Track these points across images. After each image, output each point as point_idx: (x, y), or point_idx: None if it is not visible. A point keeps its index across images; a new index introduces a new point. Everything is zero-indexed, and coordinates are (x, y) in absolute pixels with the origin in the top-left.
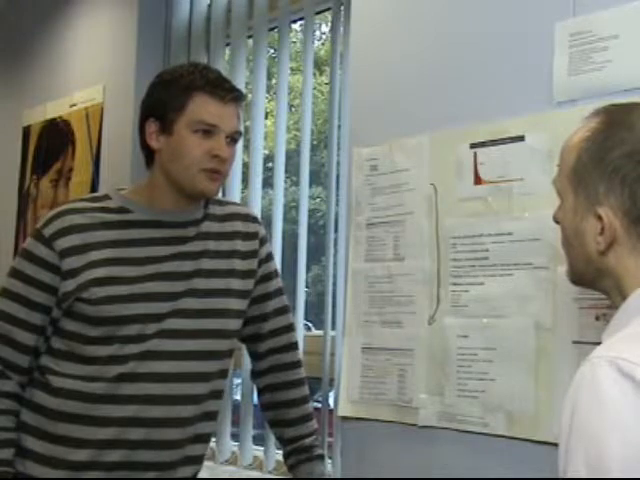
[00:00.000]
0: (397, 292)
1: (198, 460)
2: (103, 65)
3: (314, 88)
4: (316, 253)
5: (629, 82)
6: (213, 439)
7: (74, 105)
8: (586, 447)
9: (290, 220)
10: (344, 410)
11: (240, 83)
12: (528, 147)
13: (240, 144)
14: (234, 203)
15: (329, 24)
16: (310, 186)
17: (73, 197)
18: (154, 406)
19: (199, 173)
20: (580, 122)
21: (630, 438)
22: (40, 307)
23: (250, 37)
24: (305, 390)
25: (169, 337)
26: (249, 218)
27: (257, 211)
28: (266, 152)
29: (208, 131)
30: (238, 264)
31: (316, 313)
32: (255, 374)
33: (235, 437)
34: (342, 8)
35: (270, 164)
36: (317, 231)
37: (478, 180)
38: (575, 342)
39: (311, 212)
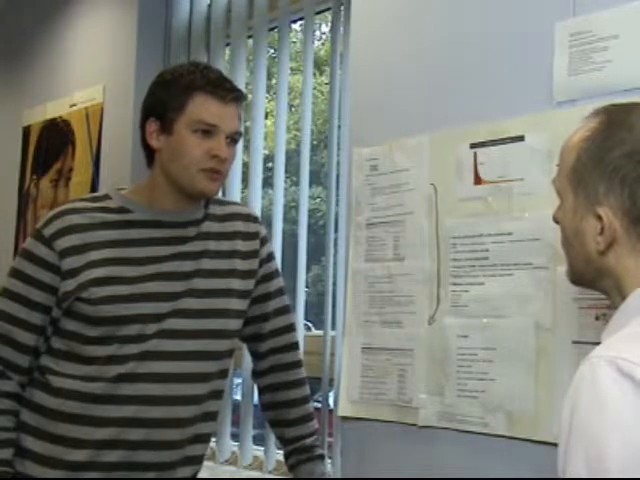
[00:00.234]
0: (397, 292)
1: (198, 460)
2: (103, 65)
3: (314, 88)
4: (316, 253)
5: (629, 82)
6: (213, 439)
7: (74, 105)
8: (586, 447)
9: (290, 220)
10: (344, 410)
11: (240, 83)
12: (528, 147)
13: (240, 144)
14: (235, 203)
15: (329, 24)
16: (310, 186)
17: (73, 197)
18: (153, 406)
19: (198, 173)
20: (580, 122)
21: (630, 438)
22: (40, 307)
23: (250, 37)
24: (306, 390)
25: (169, 337)
26: (250, 218)
27: (257, 211)
28: (266, 152)
29: (208, 131)
30: (239, 264)
31: (316, 313)
32: (256, 374)
33: (235, 437)
34: (342, 8)
35: (270, 164)
36: (317, 231)
37: (478, 180)
38: (575, 342)
39: (311, 212)
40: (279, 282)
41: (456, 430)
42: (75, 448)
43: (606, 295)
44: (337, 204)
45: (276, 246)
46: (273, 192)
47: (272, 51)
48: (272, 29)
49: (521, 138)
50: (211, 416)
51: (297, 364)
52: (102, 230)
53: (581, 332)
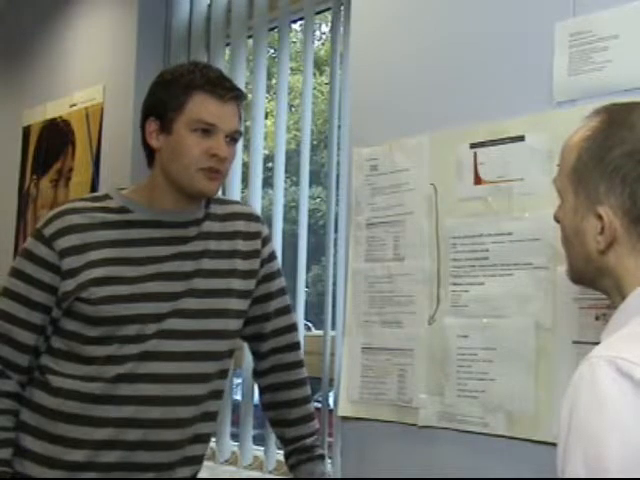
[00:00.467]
0: (397, 292)
1: (197, 460)
2: (103, 65)
3: (314, 88)
4: (316, 253)
5: (629, 82)
6: (213, 439)
7: (74, 105)
8: (585, 447)
9: (290, 220)
10: (344, 410)
11: (240, 83)
12: (528, 147)
13: (240, 144)
14: (236, 202)
15: (329, 24)
16: (310, 186)
17: (73, 197)
18: (152, 407)
19: (197, 172)
20: (580, 122)
21: (629, 438)
22: (40, 307)
23: (250, 37)
24: (307, 390)
25: (168, 338)
26: (251, 217)
27: (257, 211)
28: (266, 152)
29: (207, 130)
30: (239, 264)
31: (316, 313)
32: (257, 374)
33: (235, 437)
34: (342, 8)
35: (270, 164)
36: (317, 231)
37: (478, 180)
38: (575, 342)
39: (311, 212)
40: (281, 282)
41: (456, 430)
42: (74, 448)
43: (606, 295)
44: (337, 204)
45: (276, 246)
46: (273, 192)
47: (272, 51)
48: (272, 29)
49: (521, 138)
50: (211, 416)
51: (298, 364)
52: (102, 230)
53: (581, 332)
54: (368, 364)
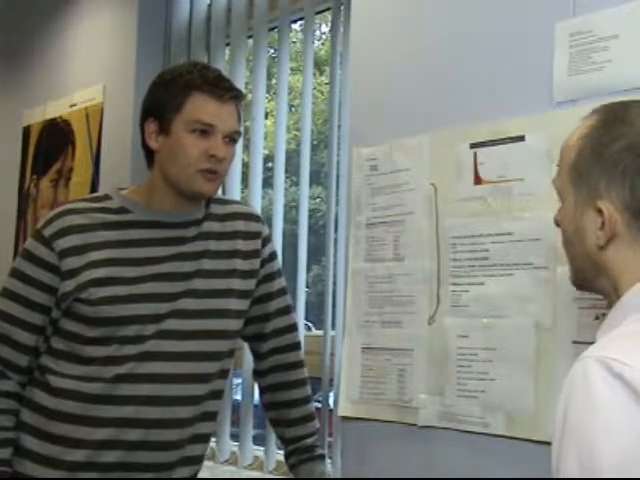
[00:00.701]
0: (397, 292)
1: (197, 460)
2: (103, 65)
3: (314, 88)
4: (316, 253)
5: (629, 82)
6: (213, 439)
7: (74, 105)
8: (578, 446)
9: (290, 220)
10: (344, 410)
11: (240, 83)
12: (528, 147)
13: (240, 144)
14: (237, 202)
15: (329, 24)
16: (310, 186)
17: (73, 197)
18: (152, 407)
19: (196, 173)
20: (580, 122)
21: (621, 438)
22: (40, 307)
23: (250, 37)
24: (307, 390)
25: (168, 338)
26: (252, 217)
27: (257, 211)
28: (266, 152)
29: (205, 131)
30: (239, 264)
31: (316, 313)
32: (257, 373)
33: (235, 437)
34: (342, 8)
35: (270, 164)
36: (317, 231)
37: (478, 180)
38: (575, 342)
39: (311, 212)
40: (281, 282)
41: (456, 430)
42: (74, 448)
43: (603, 296)
44: (337, 204)
45: (276, 246)
46: (273, 192)
47: (272, 51)
48: (272, 29)
49: (521, 138)
50: (210, 416)
51: (299, 364)
52: (102, 230)
53: (581, 332)
54: (368, 364)
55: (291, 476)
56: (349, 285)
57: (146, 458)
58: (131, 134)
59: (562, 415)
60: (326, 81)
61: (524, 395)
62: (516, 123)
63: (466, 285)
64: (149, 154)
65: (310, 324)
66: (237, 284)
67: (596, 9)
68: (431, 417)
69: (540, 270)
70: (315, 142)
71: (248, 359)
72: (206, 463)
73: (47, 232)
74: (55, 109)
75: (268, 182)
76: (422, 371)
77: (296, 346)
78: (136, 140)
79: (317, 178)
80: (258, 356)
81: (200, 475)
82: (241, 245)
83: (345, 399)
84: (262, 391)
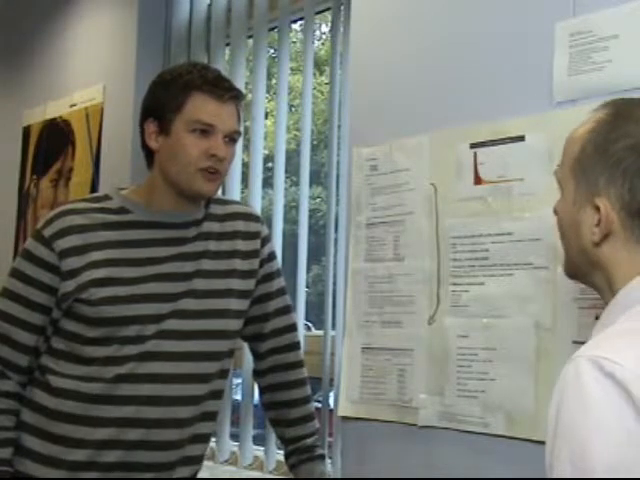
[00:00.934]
0: (397, 292)
1: (197, 460)
2: (103, 65)
3: (314, 88)
4: (316, 253)
5: (629, 82)
6: (213, 439)
7: (74, 105)
8: (571, 446)
9: (290, 220)
10: (344, 410)
11: (240, 83)
12: (528, 147)
13: (240, 144)
14: (236, 202)
15: (329, 24)
16: (310, 186)
17: (73, 197)
18: (153, 407)
19: (196, 172)
20: (580, 122)
21: (613, 437)
22: (40, 307)
23: (250, 37)
24: (307, 390)
25: (168, 338)
26: (251, 217)
27: (257, 211)
28: (266, 152)
29: (205, 130)
30: (239, 264)
31: (316, 313)
32: (257, 373)
33: (235, 437)
34: (342, 8)
35: (270, 164)
36: (317, 231)
37: (478, 180)
38: (575, 342)
39: (311, 212)
40: (280, 282)
41: (456, 430)
42: (75, 448)
43: (598, 292)
44: (337, 204)
45: (276, 246)
46: (273, 192)
47: (272, 51)
48: (272, 29)
49: (521, 138)
50: (210, 416)
51: (298, 364)
52: (102, 231)
53: (581, 332)
54: (368, 364)
55: (291, 476)
56: (349, 285)
57: (146, 458)
58: (131, 134)
59: (555, 415)
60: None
61: (524, 395)
62: (516, 123)
63: (466, 285)
64: (149, 154)
65: (310, 324)
66: (237, 284)
67: (596, 9)
68: (431, 417)
69: (540, 270)
70: (315, 142)
71: (248, 359)
72: (206, 463)
73: (47, 232)
74: (55, 109)
75: (268, 182)
76: (422, 371)
77: (295, 346)
78: (136, 140)
79: (317, 178)
80: (257, 356)
81: (200, 475)
82: (241, 245)
83: (345, 399)
84: (262, 391)
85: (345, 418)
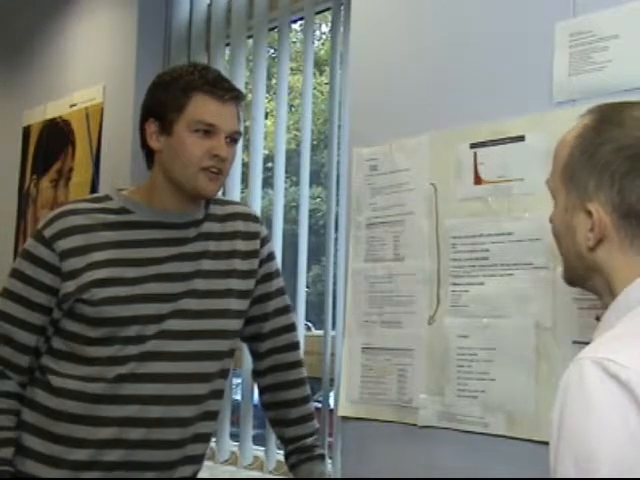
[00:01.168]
0: (397, 292)
1: (198, 460)
2: (103, 65)
3: (314, 88)
4: (316, 253)
5: (629, 82)
6: (213, 439)
7: (74, 105)
8: (575, 448)
9: (290, 220)
10: (344, 410)
11: (240, 83)
12: (528, 147)
13: (240, 144)
14: (236, 203)
15: (329, 24)
16: (310, 186)
17: (73, 197)
18: (154, 406)
19: (199, 172)
20: (576, 120)
21: (617, 438)
22: (40, 308)
23: (250, 37)
24: (306, 390)
25: (169, 338)
26: (250, 218)
27: (257, 211)
28: (266, 152)
29: (207, 131)
30: (238, 264)
31: (316, 313)
32: (256, 374)
33: (235, 437)
34: (342, 8)
35: (270, 164)
36: (317, 231)
37: (478, 180)
38: (575, 342)
39: (311, 212)
40: (279, 282)
41: (456, 430)
42: (77, 447)
43: (598, 295)
44: (337, 204)
45: (276, 246)
46: (273, 192)
47: (272, 51)
48: (272, 29)
49: (521, 138)
50: (211, 415)
51: (297, 364)
52: (103, 231)
53: (581, 332)
54: (368, 364)
55: (291, 476)
56: (349, 285)
57: (148, 457)
58: (131, 134)
59: (558, 416)
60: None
61: (524, 395)
62: (516, 123)
63: (466, 285)
64: (149, 154)
65: (310, 324)
66: (236, 284)
67: (596, 9)
68: (431, 417)
69: (540, 270)
70: (315, 142)
71: (248, 359)
72: (206, 463)
73: (48, 233)
74: (55, 109)
75: (268, 182)
76: (422, 371)
77: (295, 346)
78: (136, 140)
79: (317, 178)
80: (257, 356)
81: (200, 475)
82: (240, 245)
83: (345, 399)
84: (261, 391)
85: (345, 418)
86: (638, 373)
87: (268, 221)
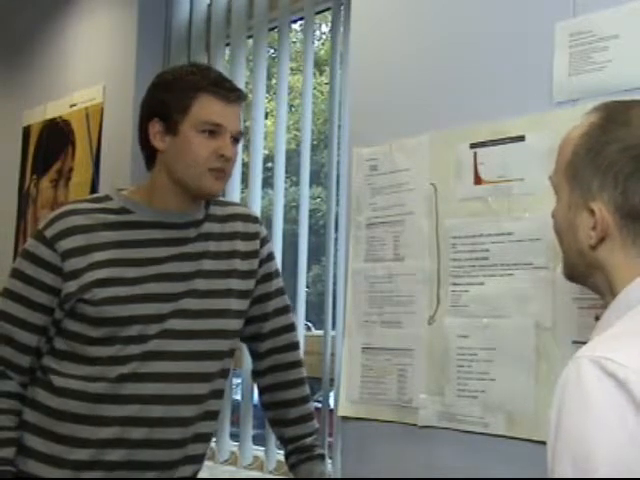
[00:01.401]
0: (397, 292)
1: (199, 459)
2: (103, 65)
3: (314, 88)
4: (316, 253)
5: (629, 82)
6: (213, 439)
7: (74, 105)
8: (573, 447)
9: (290, 220)
10: (344, 410)
11: (240, 83)
12: (528, 147)
13: (240, 144)
14: (235, 204)
15: (329, 24)
16: (310, 186)
17: (73, 197)
18: (156, 406)
19: (206, 172)
20: (581, 118)
21: (615, 438)
22: (41, 308)
23: (250, 37)
24: (306, 390)
25: (170, 337)
26: (249, 218)
27: (257, 211)
28: (266, 152)
29: (213, 131)
30: (238, 264)
31: (316, 313)
32: (256, 374)
33: (235, 437)
34: (342, 8)
35: (270, 164)
36: (317, 231)
37: (478, 180)
38: (575, 342)
39: (311, 212)
40: (279, 282)
41: (456, 430)
42: (78, 447)
43: (598, 294)
44: (337, 204)
45: (276, 246)
46: (273, 192)
47: (272, 51)
48: (272, 29)
49: (521, 138)
50: (212, 415)
51: (297, 364)
52: (104, 231)
53: (581, 332)
54: (368, 364)
55: (291, 476)
56: (349, 285)
57: (150, 456)
58: (131, 134)
59: (556, 415)
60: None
61: (524, 395)
62: (516, 123)
63: (466, 285)
64: (150, 154)
65: (310, 324)
66: (237, 284)
67: (596, 9)
68: (431, 417)
69: (540, 270)
70: (315, 142)
71: (248, 359)
72: (206, 463)
73: (49, 233)
74: (55, 109)
75: (268, 182)
76: (422, 371)
77: (294, 346)
78: (136, 140)
79: (317, 178)
80: (256, 356)
81: (200, 475)
82: (240, 246)
83: (345, 399)
84: (261, 391)
85: (345, 418)
86: (636, 372)
87: (268, 221)
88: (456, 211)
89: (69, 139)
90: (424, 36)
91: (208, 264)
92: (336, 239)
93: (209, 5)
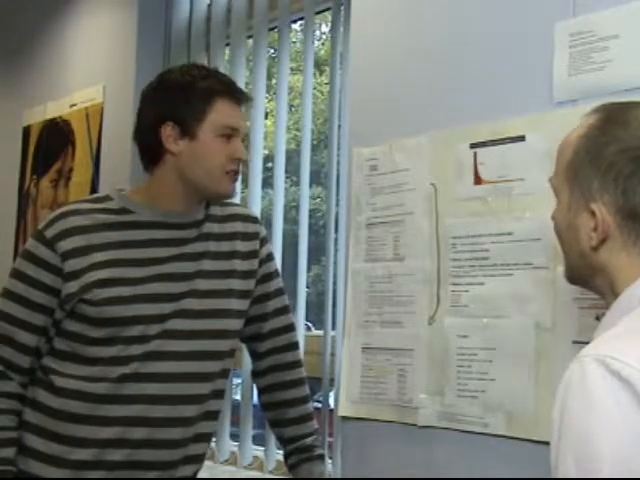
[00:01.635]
0: (397, 292)
1: (199, 459)
2: (103, 65)
3: (314, 88)
4: (316, 253)
5: (629, 82)
6: (213, 439)
7: (74, 105)
8: (576, 446)
9: (290, 220)
10: (344, 410)
11: (240, 83)
12: (528, 147)
13: None
14: (234, 204)
15: (329, 24)
16: (310, 186)
17: (73, 197)
18: (157, 406)
19: (223, 175)
20: (580, 119)
21: (619, 436)
22: (41, 308)
23: (250, 37)
24: (305, 390)
25: (172, 338)
26: (249, 219)
27: (257, 211)
28: (266, 152)
29: (229, 135)
30: (238, 264)
31: (316, 313)
32: (255, 374)
33: (235, 437)
34: (342, 8)
35: (270, 164)
36: (317, 231)
37: (478, 180)
38: (575, 342)
39: (311, 212)
40: (278, 282)
41: (456, 430)
42: (80, 447)
43: (600, 295)
44: (337, 204)
45: (276, 246)
46: (273, 192)
47: (272, 51)
48: (272, 29)
49: (521, 138)
50: (213, 415)
51: (296, 364)
52: (104, 231)
53: (581, 332)
54: (368, 364)
55: (291, 476)
56: (349, 285)
57: (151, 456)
58: (131, 134)
59: (559, 415)
60: (326, 81)
61: (524, 395)
62: (516, 123)
63: (466, 285)
64: (155, 155)
65: (310, 324)
66: (237, 284)
67: (596, 9)
68: (431, 417)
69: (540, 270)
70: (315, 142)
71: (248, 359)
72: (206, 463)
73: (49, 233)
74: (55, 109)
75: (268, 182)
76: (422, 371)
77: (294, 346)
78: None
79: (317, 178)
80: (256, 356)
81: (200, 475)
82: (240, 246)
83: (345, 399)
84: (260, 391)
85: (345, 418)
86: (639, 370)
87: (268, 221)
88: (456, 211)
89: (69, 139)
90: (424, 36)
91: (208, 264)
92: (336, 239)
93: (209, 5)
